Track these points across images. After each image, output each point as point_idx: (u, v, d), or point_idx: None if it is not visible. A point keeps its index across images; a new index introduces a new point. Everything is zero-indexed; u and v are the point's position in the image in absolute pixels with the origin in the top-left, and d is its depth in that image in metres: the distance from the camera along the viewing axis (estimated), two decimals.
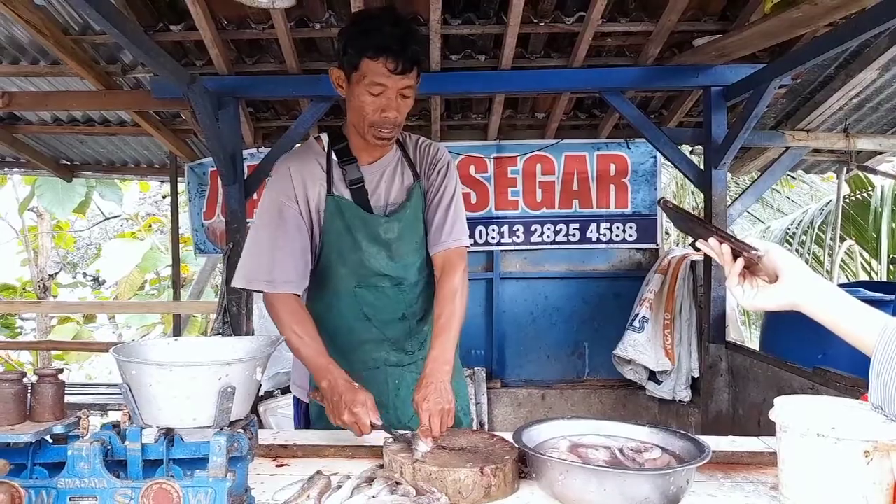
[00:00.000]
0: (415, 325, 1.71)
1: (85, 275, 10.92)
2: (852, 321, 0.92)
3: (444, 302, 1.58)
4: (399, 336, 1.69)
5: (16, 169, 5.14)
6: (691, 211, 7.34)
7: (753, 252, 1.01)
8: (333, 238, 1.62)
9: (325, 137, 1.68)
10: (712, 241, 1.06)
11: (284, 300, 1.57)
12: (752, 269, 1.04)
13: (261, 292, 1.61)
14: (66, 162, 5.01)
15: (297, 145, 1.87)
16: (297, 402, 1.81)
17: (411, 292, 1.69)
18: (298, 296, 1.60)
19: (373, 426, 1.42)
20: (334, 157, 1.64)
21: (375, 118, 1.53)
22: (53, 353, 7.64)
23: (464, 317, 1.59)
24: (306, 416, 1.76)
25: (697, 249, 1.15)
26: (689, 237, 1.16)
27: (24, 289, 9.23)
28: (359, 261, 1.63)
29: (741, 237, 1.08)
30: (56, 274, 9.39)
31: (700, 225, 1.11)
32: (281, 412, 3.53)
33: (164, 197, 10.51)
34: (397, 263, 1.66)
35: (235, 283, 1.61)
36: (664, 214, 4.31)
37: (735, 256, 1.04)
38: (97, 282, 10.64)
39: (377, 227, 1.62)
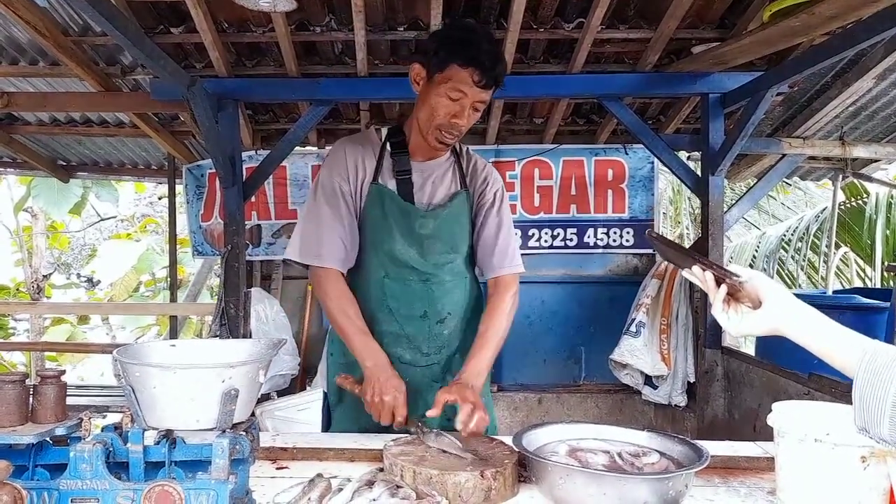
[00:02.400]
0: (434, 326, 1.72)
1: (79, 276, 10.87)
2: (834, 345, 0.94)
3: (491, 319, 1.66)
4: (417, 334, 1.71)
5: (12, 169, 5.12)
6: (689, 216, 7.38)
7: (735, 278, 1.03)
8: (370, 225, 1.68)
9: (384, 130, 1.74)
10: (696, 268, 1.08)
11: (333, 279, 1.64)
12: (735, 295, 1.06)
13: (306, 266, 1.67)
14: (63, 162, 5.00)
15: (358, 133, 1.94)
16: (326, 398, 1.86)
17: (437, 290, 1.71)
18: (343, 274, 1.67)
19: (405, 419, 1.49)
20: (388, 147, 1.70)
21: (444, 121, 1.59)
22: (46, 354, 7.60)
23: (506, 336, 1.67)
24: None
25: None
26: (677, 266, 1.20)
27: (17, 289, 9.18)
28: (390, 250, 1.67)
29: (725, 264, 1.11)
30: (50, 275, 9.35)
31: (684, 254, 1.14)
32: (278, 415, 3.52)
33: (160, 198, 10.48)
34: (427, 260, 1.69)
35: (288, 255, 1.69)
36: (660, 223, 4.35)
37: (718, 283, 1.06)
38: (91, 283, 10.59)
39: (414, 220, 1.67)
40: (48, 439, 1.01)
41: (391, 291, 1.69)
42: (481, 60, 1.53)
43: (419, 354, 1.72)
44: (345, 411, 1.76)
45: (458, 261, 1.73)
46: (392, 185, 1.68)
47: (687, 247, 3.48)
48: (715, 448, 1.45)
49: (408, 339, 1.71)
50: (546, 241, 4.36)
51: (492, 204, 1.75)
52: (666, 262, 4.05)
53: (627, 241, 4.37)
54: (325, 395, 1.86)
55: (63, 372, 1.06)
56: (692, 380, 3.83)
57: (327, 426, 1.82)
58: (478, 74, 1.53)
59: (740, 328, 1.04)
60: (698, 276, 1.08)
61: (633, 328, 3.90)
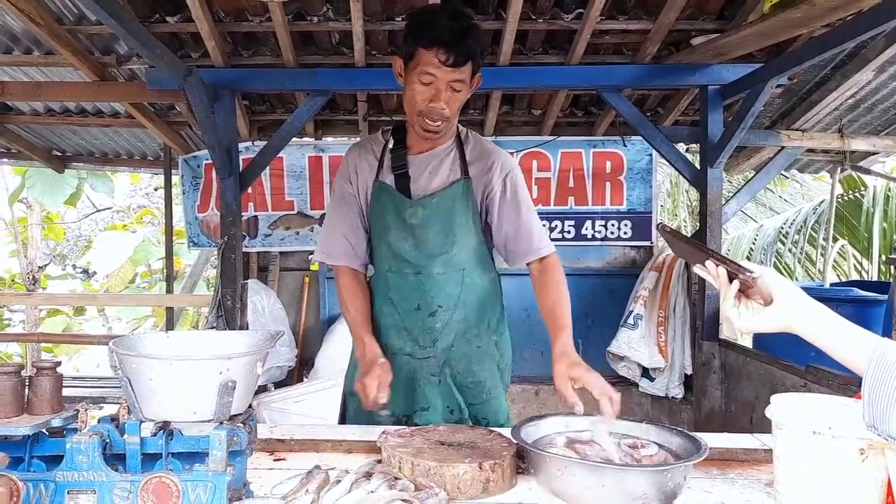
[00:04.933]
0: (426, 319, 1.70)
1: (75, 267, 10.82)
2: (845, 343, 0.94)
3: (550, 292, 1.66)
4: (413, 326, 1.72)
5: (7, 160, 5.08)
6: (686, 208, 7.36)
7: (749, 274, 1.03)
8: (375, 222, 1.73)
9: (390, 130, 1.78)
10: (709, 263, 1.08)
11: (344, 275, 1.74)
12: (746, 291, 1.06)
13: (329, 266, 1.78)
14: (58, 153, 4.96)
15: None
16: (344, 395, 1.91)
17: (427, 283, 1.68)
18: (357, 270, 1.75)
19: (378, 403, 1.50)
20: (390, 144, 1.73)
21: (423, 107, 1.58)
22: (42, 345, 7.58)
23: (569, 306, 1.64)
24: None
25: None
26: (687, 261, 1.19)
27: (13, 280, 9.14)
28: (389, 244, 1.71)
29: (737, 259, 1.10)
30: (45, 266, 9.31)
31: (697, 248, 1.13)
32: (275, 406, 3.52)
33: (155, 189, 10.42)
34: (421, 252, 1.67)
35: (312, 258, 1.83)
36: (657, 215, 4.34)
37: (731, 279, 1.06)
38: (87, 274, 10.55)
39: (403, 210, 1.67)
40: (44, 431, 1.01)
41: (393, 284, 1.71)
42: (443, 39, 1.50)
43: (417, 346, 1.73)
44: (358, 401, 1.75)
45: (454, 251, 1.67)
46: (390, 180, 1.70)
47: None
48: (712, 440, 1.45)
49: (407, 332, 1.72)
50: None
51: (502, 192, 1.69)
52: (664, 255, 4.05)
53: (625, 233, 4.36)
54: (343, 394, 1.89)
55: (59, 363, 1.06)
56: (689, 372, 3.84)
57: (343, 418, 1.87)
58: (443, 54, 1.50)
59: (751, 324, 1.04)
60: (711, 271, 1.07)
61: (630, 320, 3.90)
